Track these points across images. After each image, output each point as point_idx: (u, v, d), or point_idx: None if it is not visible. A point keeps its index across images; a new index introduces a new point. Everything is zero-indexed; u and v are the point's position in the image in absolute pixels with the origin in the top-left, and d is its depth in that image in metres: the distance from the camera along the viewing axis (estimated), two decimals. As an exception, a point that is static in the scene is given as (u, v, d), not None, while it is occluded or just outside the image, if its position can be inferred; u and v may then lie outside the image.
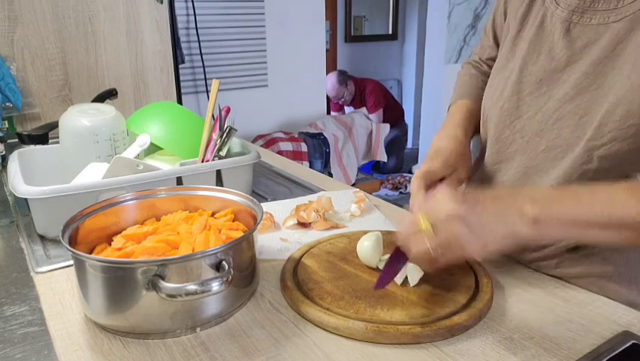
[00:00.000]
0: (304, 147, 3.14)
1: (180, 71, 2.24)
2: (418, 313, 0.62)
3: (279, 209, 0.96)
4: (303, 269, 0.73)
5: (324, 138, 3.28)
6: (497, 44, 0.91)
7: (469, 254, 0.58)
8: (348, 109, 4.29)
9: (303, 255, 0.77)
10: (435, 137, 0.84)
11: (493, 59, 0.91)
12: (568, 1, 0.72)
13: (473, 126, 0.88)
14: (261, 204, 0.72)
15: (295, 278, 0.70)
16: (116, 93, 1.60)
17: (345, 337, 0.60)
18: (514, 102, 0.76)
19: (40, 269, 0.76)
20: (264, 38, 3.04)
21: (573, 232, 0.59)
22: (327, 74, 3.60)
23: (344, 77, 4.16)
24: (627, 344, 0.58)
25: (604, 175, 0.67)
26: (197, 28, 2.74)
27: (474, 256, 0.58)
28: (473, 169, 0.90)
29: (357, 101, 4.23)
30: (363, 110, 3.96)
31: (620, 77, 0.64)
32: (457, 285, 0.68)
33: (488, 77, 0.90)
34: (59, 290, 0.71)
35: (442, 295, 0.65)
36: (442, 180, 0.76)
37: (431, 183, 0.74)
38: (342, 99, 4.22)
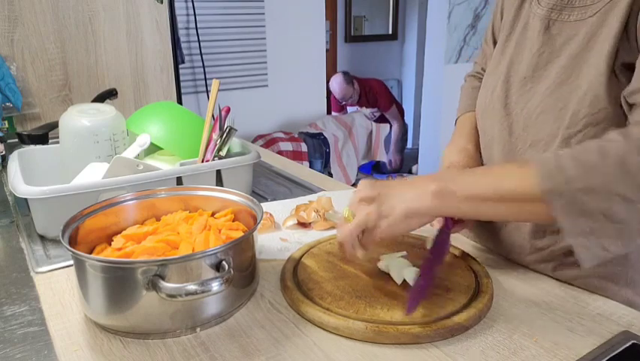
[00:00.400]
0: (304, 147, 3.14)
1: (180, 71, 2.24)
2: (417, 313, 0.62)
3: (279, 209, 0.96)
4: (303, 269, 0.73)
5: (324, 138, 3.29)
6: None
7: (382, 232, 0.62)
8: (351, 108, 4.28)
9: (303, 255, 0.77)
10: (445, 150, 0.85)
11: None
12: (547, 1, 0.74)
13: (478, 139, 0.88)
14: (261, 204, 0.72)
15: (295, 278, 0.70)
16: (116, 93, 1.60)
17: (345, 337, 0.60)
18: (502, 101, 0.78)
19: (40, 269, 0.76)
20: (264, 38, 3.04)
21: (471, 207, 0.62)
22: (326, 74, 3.59)
23: (349, 77, 4.16)
24: (627, 344, 0.58)
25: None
26: (197, 28, 2.74)
27: (384, 232, 0.62)
28: None
29: (363, 101, 4.22)
30: (363, 109, 3.96)
31: (591, 66, 0.66)
32: (458, 285, 0.68)
33: None
34: (59, 290, 0.71)
35: (442, 296, 0.65)
36: None
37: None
38: (351, 99, 4.20)
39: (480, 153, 0.84)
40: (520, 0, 0.80)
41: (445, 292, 0.66)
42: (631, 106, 0.62)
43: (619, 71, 0.64)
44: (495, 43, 0.90)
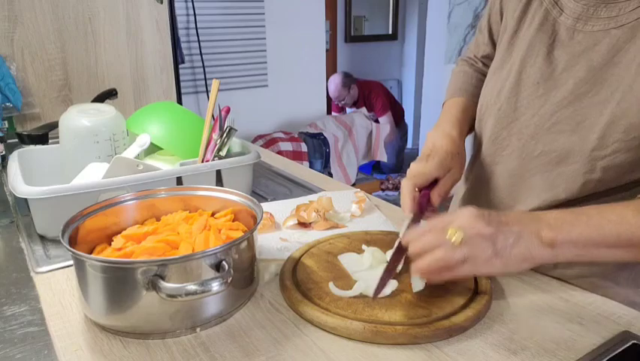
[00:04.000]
0: (304, 147, 3.14)
1: (180, 71, 2.24)
2: (416, 313, 0.62)
3: (279, 209, 0.96)
4: (303, 269, 0.73)
5: (324, 138, 3.28)
6: (493, 42, 0.91)
7: (488, 273, 0.60)
8: (349, 109, 4.28)
9: (303, 255, 0.77)
10: (429, 134, 0.84)
11: (489, 57, 0.91)
12: (573, 8, 0.72)
13: (467, 124, 0.88)
14: (261, 204, 0.72)
15: (294, 278, 0.70)
16: (116, 93, 1.60)
17: (344, 337, 0.60)
18: (512, 104, 0.76)
19: (40, 269, 0.76)
20: (264, 38, 3.04)
21: (586, 253, 0.60)
22: (326, 74, 3.59)
23: (348, 80, 4.15)
24: (627, 344, 0.58)
25: (606, 185, 0.68)
26: (197, 28, 2.74)
27: (492, 274, 0.60)
28: (468, 168, 0.91)
29: (361, 104, 4.22)
30: (363, 109, 3.96)
31: (621, 85, 0.64)
32: (456, 286, 0.68)
33: (482, 74, 0.90)
34: (59, 290, 0.71)
35: (441, 296, 0.65)
36: (435, 181, 0.76)
37: (423, 184, 0.75)
38: (343, 102, 4.21)
39: (464, 139, 0.84)
40: (526, 1, 0.79)
41: (443, 293, 0.66)
42: None
43: None
44: (490, 34, 0.90)
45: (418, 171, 0.74)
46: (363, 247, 0.77)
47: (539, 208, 0.73)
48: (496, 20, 0.88)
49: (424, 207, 0.73)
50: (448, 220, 0.61)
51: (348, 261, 0.74)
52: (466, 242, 0.59)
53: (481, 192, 0.85)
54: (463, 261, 0.59)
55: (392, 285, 0.67)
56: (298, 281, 0.69)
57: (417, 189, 0.74)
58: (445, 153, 0.77)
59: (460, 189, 0.95)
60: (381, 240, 0.81)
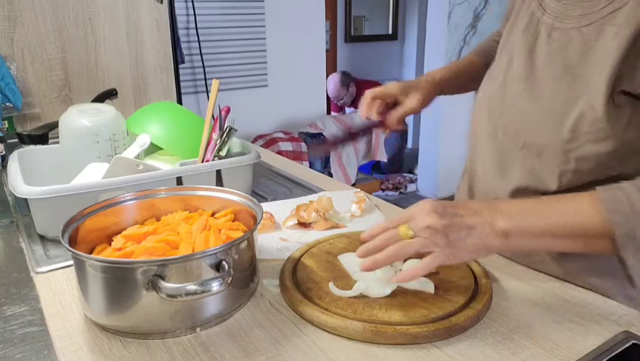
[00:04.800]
0: (304, 147, 3.14)
1: (180, 71, 2.24)
2: (416, 313, 0.62)
3: (279, 209, 0.96)
4: (303, 269, 0.73)
5: (324, 138, 3.28)
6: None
7: (448, 263, 0.61)
8: (348, 109, 4.29)
9: (303, 255, 0.77)
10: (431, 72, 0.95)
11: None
12: (553, 8, 0.75)
13: (460, 74, 0.97)
14: (261, 204, 0.72)
15: (294, 278, 0.70)
16: (116, 93, 1.60)
17: (344, 337, 0.60)
18: (499, 100, 0.80)
19: (40, 269, 0.76)
20: (264, 38, 3.04)
21: (540, 243, 0.62)
22: (326, 74, 3.59)
23: (347, 79, 4.15)
24: (627, 344, 0.58)
25: (584, 176, 0.70)
26: (197, 28, 2.74)
27: (446, 262, 0.61)
28: (465, 167, 0.93)
29: (359, 103, 4.22)
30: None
31: (590, 82, 0.67)
32: (456, 286, 0.68)
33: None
34: (59, 290, 0.71)
35: (441, 296, 0.65)
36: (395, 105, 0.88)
37: (383, 102, 0.88)
38: (342, 101, 4.22)
39: (441, 82, 0.93)
40: (520, 2, 0.82)
41: (443, 293, 0.66)
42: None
43: (617, 96, 0.65)
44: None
45: (378, 89, 0.87)
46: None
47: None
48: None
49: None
50: (404, 217, 0.63)
51: (348, 261, 0.74)
52: (418, 237, 0.61)
53: (469, 189, 0.90)
54: (418, 255, 0.61)
55: (392, 285, 0.67)
56: (298, 281, 0.69)
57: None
58: (411, 82, 0.88)
59: (458, 192, 0.97)
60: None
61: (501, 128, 0.79)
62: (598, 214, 0.59)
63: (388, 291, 0.66)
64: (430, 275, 0.70)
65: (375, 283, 0.67)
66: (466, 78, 0.98)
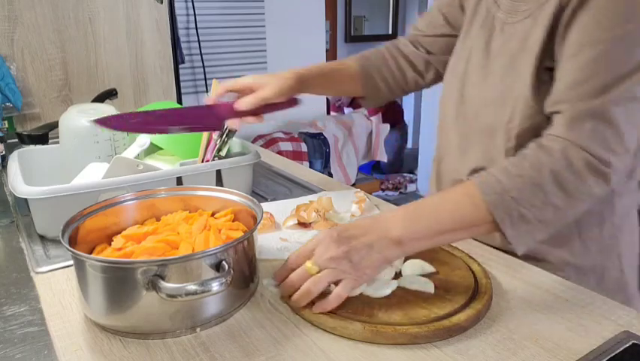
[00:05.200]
0: (304, 147, 3.14)
1: (180, 71, 2.24)
2: (416, 313, 0.62)
3: (279, 209, 0.96)
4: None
5: (324, 138, 3.28)
6: (450, 25, 0.98)
7: (360, 284, 0.64)
8: (347, 109, 4.29)
9: None
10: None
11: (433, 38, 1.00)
12: (505, 4, 0.83)
13: (324, 75, 0.97)
14: (261, 204, 0.72)
15: None
16: (116, 93, 1.60)
17: (344, 337, 0.60)
18: (461, 90, 0.88)
19: (40, 269, 0.76)
20: (264, 38, 3.04)
21: (435, 241, 0.66)
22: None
23: None
24: (627, 344, 0.58)
25: (516, 143, 0.77)
26: (197, 28, 2.73)
27: (357, 285, 0.64)
28: (434, 155, 1.00)
29: (357, 104, 4.22)
30: (363, 110, 3.95)
31: (523, 66, 0.76)
32: (457, 285, 0.68)
33: (401, 58, 1.02)
34: (59, 290, 0.71)
35: (441, 296, 0.65)
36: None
37: (231, 88, 0.86)
38: (339, 101, 4.21)
39: (297, 83, 0.89)
40: (476, 1, 0.89)
41: (444, 293, 0.66)
42: (549, 116, 0.71)
43: (543, 74, 0.74)
44: (446, 20, 0.98)
45: (233, 80, 0.86)
46: None
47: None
48: (452, 11, 0.96)
49: (223, 113, 0.84)
50: (305, 253, 0.66)
51: None
52: (324, 270, 0.63)
53: (437, 173, 0.97)
54: (332, 283, 0.63)
55: (392, 285, 0.67)
56: None
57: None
58: (274, 74, 0.87)
59: (432, 169, 1.04)
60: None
61: (462, 113, 0.87)
62: (478, 201, 0.64)
63: (388, 291, 0.66)
64: (430, 275, 0.70)
65: (375, 283, 0.67)
66: (332, 80, 0.98)
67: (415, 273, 0.71)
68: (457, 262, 0.74)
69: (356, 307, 0.63)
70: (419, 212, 0.66)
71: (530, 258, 0.79)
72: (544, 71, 0.73)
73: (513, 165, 0.66)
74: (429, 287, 0.67)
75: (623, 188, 0.80)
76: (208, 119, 0.86)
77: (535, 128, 0.74)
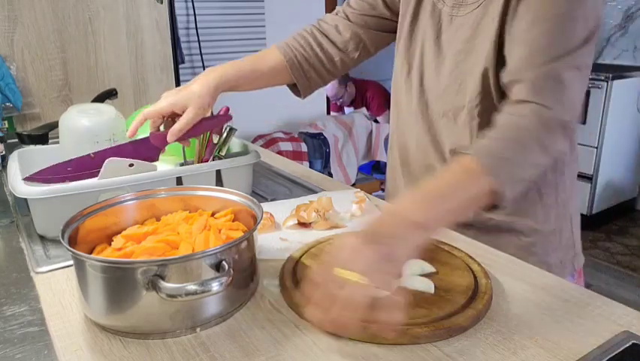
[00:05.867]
0: (304, 147, 3.14)
1: (180, 71, 2.24)
2: (416, 313, 0.62)
3: (279, 209, 0.96)
4: (303, 269, 0.73)
5: (324, 138, 3.28)
6: (386, 5, 1.00)
7: (396, 280, 0.61)
8: (347, 109, 4.29)
9: (303, 255, 0.77)
10: (202, 73, 0.93)
11: (368, 10, 1.02)
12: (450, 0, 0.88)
13: (244, 77, 0.96)
14: (261, 204, 0.72)
15: (294, 278, 0.70)
16: (116, 93, 1.60)
17: (344, 337, 0.60)
18: (419, 80, 0.94)
19: (40, 269, 0.76)
20: (264, 38, 3.04)
21: (447, 223, 0.67)
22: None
23: (345, 78, 4.15)
24: (627, 344, 0.58)
25: (485, 124, 0.82)
26: (197, 28, 2.74)
27: (398, 278, 0.63)
28: (390, 144, 1.06)
29: (358, 103, 4.22)
30: (363, 110, 3.96)
31: (483, 52, 0.82)
32: (456, 286, 0.68)
33: (325, 40, 1.03)
34: (59, 290, 0.71)
35: (441, 296, 0.65)
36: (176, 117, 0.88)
37: (152, 117, 0.88)
38: (341, 100, 4.21)
39: (218, 90, 0.92)
40: None
41: (444, 293, 0.66)
42: (508, 87, 0.78)
43: (498, 53, 0.80)
44: (384, 3, 1.00)
45: (151, 109, 0.87)
46: None
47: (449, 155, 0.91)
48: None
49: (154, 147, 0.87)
50: (332, 265, 0.59)
51: None
52: (368, 275, 0.57)
53: (402, 160, 1.01)
54: (376, 288, 0.57)
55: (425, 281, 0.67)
56: (298, 281, 0.69)
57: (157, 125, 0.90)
58: (185, 92, 0.88)
59: (389, 164, 1.10)
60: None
61: (424, 102, 0.93)
62: (479, 179, 0.67)
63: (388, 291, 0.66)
64: (430, 275, 0.70)
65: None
66: (253, 76, 0.98)
67: (415, 273, 0.71)
68: (457, 262, 0.74)
69: None
70: (430, 194, 0.67)
71: (501, 229, 0.89)
72: (499, 50, 0.80)
73: (494, 133, 0.72)
74: (429, 287, 0.67)
75: (570, 158, 0.91)
76: (145, 152, 0.89)
77: (494, 103, 0.82)
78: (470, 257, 0.76)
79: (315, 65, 1.03)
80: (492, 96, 0.83)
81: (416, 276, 0.70)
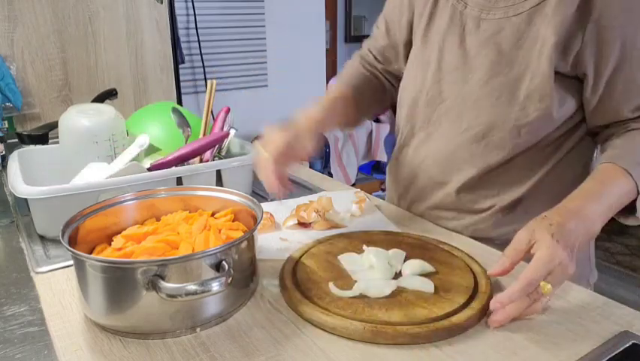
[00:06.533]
0: (304, 147, 3.13)
1: (180, 71, 2.24)
2: (416, 313, 0.62)
3: (279, 209, 0.96)
4: (302, 269, 0.73)
5: (324, 138, 3.28)
6: (389, 36, 0.99)
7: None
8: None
9: (303, 255, 0.77)
10: (302, 110, 0.89)
11: (383, 49, 1.02)
12: (476, 1, 0.85)
13: (340, 116, 0.94)
14: (261, 204, 0.72)
15: (294, 278, 0.70)
16: (116, 93, 1.60)
17: (344, 337, 0.60)
18: (436, 89, 0.88)
19: (40, 269, 0.76)
20: (264, 38, 3.04)
21: (609, 217, 0.72)
22: (326, 74, 3.59)
23: None
24: (627, 344, 0.58)
25: (526, 144, 0.82)
26: (197, 28, 2.73)
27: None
28: (394, 157, 1.02)
29: None
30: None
31: (530, 65, 0.79)
32: (456, 285, 0.68)
33: (369, 68, 1.03)
34: (59, 290, 0.71)
35: (441, 296, 0.65)
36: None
37: (279, 156, 0.80)
38: None
39: (328, 126, 0.91)
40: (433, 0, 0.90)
41: (444, 293, 0.66)
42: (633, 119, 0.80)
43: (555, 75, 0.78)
44: (387, 29, 0.99)
45: (277, 152, 0.79)
46: (364, 247, 0.77)
47: (473, 177, 0.87)
48: (392, 19, 0.98)
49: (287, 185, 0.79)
50: (541, 276, 0.62)
51: (349, 261, 0.74)
52: (553, 277, 0.63)
53: (412, 176, 0.96)
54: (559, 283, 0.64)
55: (391, 285, 0.67)
56: (298, 281, 0.69)
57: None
58: (296, 130, 0.83)
59: (388, 179, 1.06)
60: (382, 240, 0.81)
61: (443, 114, 0.87)
62: (630, 184, 0.73)
63: (388, 291, 0.66)
64: (429, 275, 0.70)
65: (375, 283, 0.67)
66: (340, 116, 0.95)
67: (415, 273, 0.71)
68: (457, 262, 0.74)
69: (356, 307, 0.63)
70: (597, 200, 0.71)
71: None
72: (555, 74, 0.78)
73: (625, 145, 0.78)
74: (429, 287, 0.67)
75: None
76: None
77: (542, 124, 0.80)
78: (470, 257, 0.75)
79: (380, 100, 1.05)
80: (543, 115, 0.79)
81: (416, 276, 0.70)
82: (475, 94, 0.83)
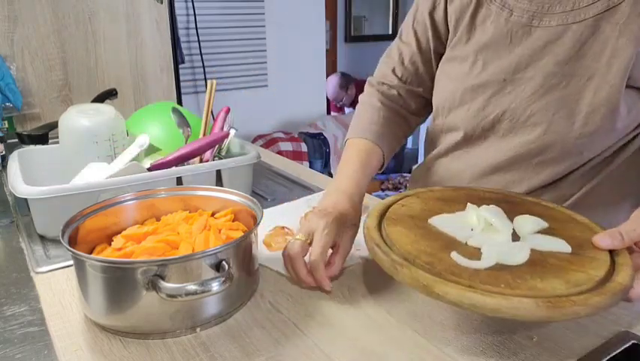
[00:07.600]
0: (304, 147, 3.14)
1: (180, 71, 2.24)
2: (576, 278, 0.51)
3: (285, 213, 0.95)
4: (397, 240, 0.58)
5: (324, 138, 3.28)
6: (421, 51, 0.89)
7: None
8: (348, 109, 4.29)
9: (379, 224, 0.62)
10: (329, 190, 0.79)
11: (414, 64, 0.90)
12: (525, 7, 0.76)
13: (368, 178, 0.82)
14: (265, 210, 0.72)
15: (393, 252, 0.56)
16: (116, 93, 1.60)
17: (507, 318, 0.48)
18: (479, 103, 0.80)
19: (40, 269, 0.76)
20: (264, 38, 3.04)
21: None
22: (326, 74, 3.59)
23: (346, 81, 4.14)
24: (627, 344, 0.58)
25: (585, 159, 0.76)
26: (197, 28, 2.74)
27: None
28: (422, 167, 0.95)
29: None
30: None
31: (594, 76, 0.71)
32: (585, 241, 0.59)
33: (390, 104, 0.90)
34: (59, 290, 0.71)
35: (580, 255, 0.56)
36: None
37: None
38: (341, 102, 4.22)
39: (362, 199, 0.79)
40: (474, 7, 0.80)
41: (581, 251, 0.56)
42: None
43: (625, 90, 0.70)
44: (418, 43, 0.88)
45: (324, 242, 0.67)
46: (469, 205, 0.64)
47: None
48: (423, 28, 0.87)
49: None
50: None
51: (448, 224, 0.62)
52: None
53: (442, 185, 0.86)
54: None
55: (525, 249, 0.56)
56: (404, 255, 0.55)
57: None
58: (335, 218, 0.70)
59: (412, 186, 0.98)
60: (459, 196, 0.71)
61: (489, 130, 0.80)
62: None
63: (524, 256, 0.55)
64: (545, 231, 0.62)
65: (504, 249, 0.56)
66: (373, 170, 0.84)
67: (533, 230, 0.61)
68: (560, 215, 0.64)
69: (504, 279, 0.50)
70: None
71: None
72: (627, 88, 0.71)
73: None
74: (564, 247, 0.57)
75: None
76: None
77: (603, 139, 0.74)
78: (564, 207, 0.67)
79: (401, 139, 0.94)
80: (613, 133, 0.72)
81: (537, 234, 0.59)
82: (528, 109, 0.76)
